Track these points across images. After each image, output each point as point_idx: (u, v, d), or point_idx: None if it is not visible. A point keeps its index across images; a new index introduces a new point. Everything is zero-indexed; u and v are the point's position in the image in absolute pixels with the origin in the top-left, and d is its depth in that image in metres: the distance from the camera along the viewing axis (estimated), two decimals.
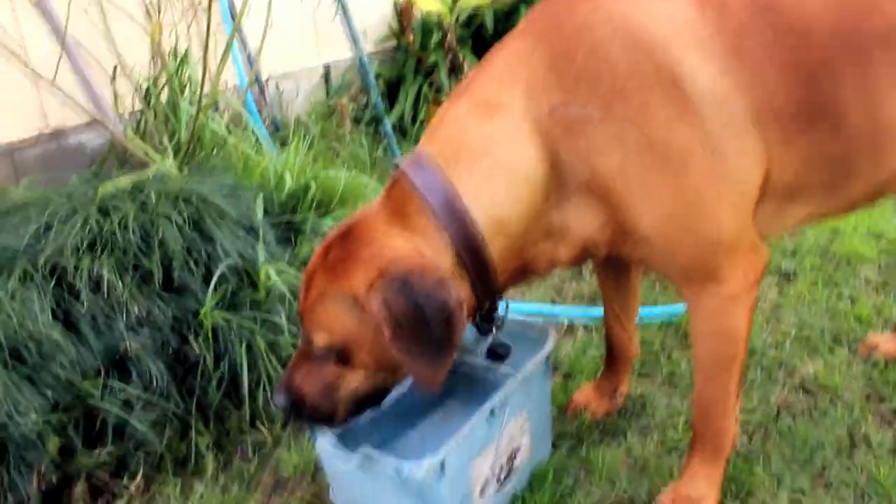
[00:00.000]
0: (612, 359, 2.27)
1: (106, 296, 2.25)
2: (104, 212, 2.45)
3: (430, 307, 1.53)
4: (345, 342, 1.65)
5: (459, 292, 1.57)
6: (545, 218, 1.65)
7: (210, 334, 2.31)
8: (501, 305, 1.85)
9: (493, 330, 1.81)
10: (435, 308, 1.53)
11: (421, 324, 1.54)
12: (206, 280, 2.39)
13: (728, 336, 1.72)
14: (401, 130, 4.64)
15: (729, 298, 1.68)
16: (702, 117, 1.56)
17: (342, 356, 1.68)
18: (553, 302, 3.04)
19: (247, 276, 2.49)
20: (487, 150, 1.62)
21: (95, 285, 2.27)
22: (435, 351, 1.56)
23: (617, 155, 1.57)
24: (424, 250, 1.60)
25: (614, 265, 2.11)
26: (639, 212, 1.61)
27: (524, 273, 1.76)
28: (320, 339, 1.67)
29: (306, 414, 1.73)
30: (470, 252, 1.61)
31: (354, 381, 1.72)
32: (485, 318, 1.79)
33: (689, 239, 1.63)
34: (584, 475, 2.07)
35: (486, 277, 1.65)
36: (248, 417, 2.35)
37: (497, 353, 1.87)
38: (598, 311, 2.86)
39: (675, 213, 1.60)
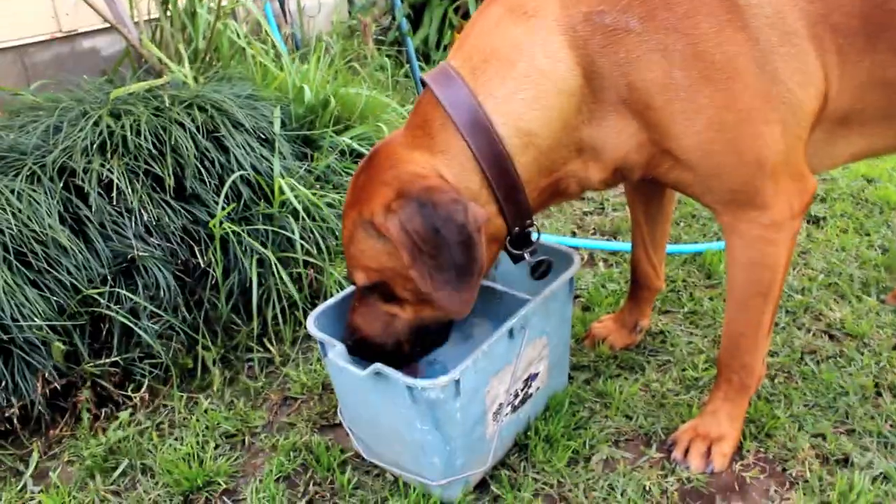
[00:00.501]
0: (636, 290, 2.20)
1: (115, 200, 2.19)
2: (116, 115, 2.37)
3: (447, 230, 1.45)
4: (381, 278, 1.60)
5: (478, 214, 1.48)
6: (577, 134, 1.56)
7: (219, 246, 2.25)
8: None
9: (526, 256, 1.71)
10: (453, 231, 1.45)
11: (439, 248, 1.47)
12: (219, 191, 2.32)
13: (766, 266, 1.64)
14: (424, 56, 4.52)
15: (770, 226, 1.59)
16: (753, 28, 1.45)
17: (385, 293, 1.63)
18: (573, 234, 2.96)
19: (260, 189, 2.42)
20: (517, 58, 1.51)
21: (105, 189, 2.20)
22: (457, 277, 1.49)
23: (658, 67, 1.47)
24: (446, 170, 1.52)
25: (647, 190, 2.02)
26: (679, 130, 1.51)
27: (555, 195, 1.67)
28: (360, 279, 1.63)
29: (372, 354, 1.70)
30: (496, 169, 1.52)
31: (405, 317, 1.67)
32: (517, 242, 1.69)
33: (732, 161, 1.53)
34: (599, 407, 2.02)
35: (514, 197, 1.56)
36: (256, 334, 2.31)
37: (539, 270, 1.76)
38: (619, 244, 2.80)
39: (718, 133, 1.50)
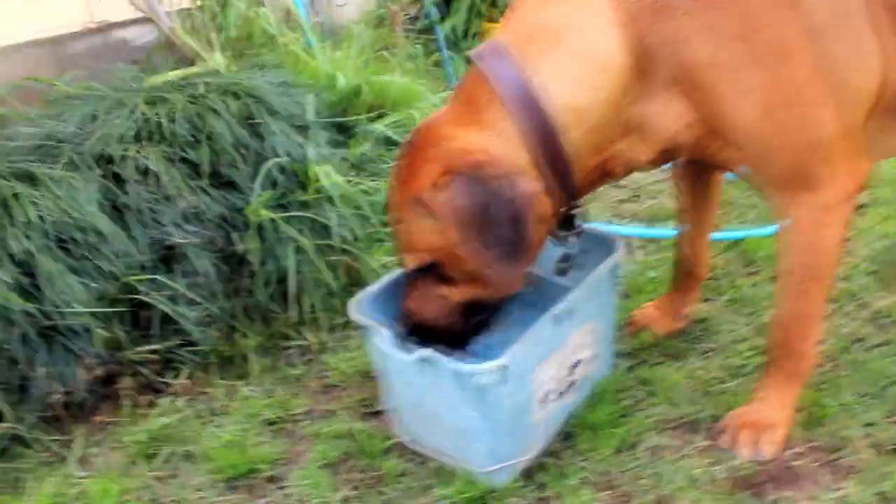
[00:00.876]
0: (680, 277, 2.16)
1: (153, 187, 2.19)
2: (151, 103, 2.39)
3: (496, 205, 1.44)
4: (431, 258, 1.58)
5: (528, 189, 1.47)
6: (625, 113, 1.53)
7: (256, 233, 2.25)
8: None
9: (573, 238, 1.70)
10: (502, 206, 1.44)
11: (489, 224, 1.45)
12: (255, 178, 2.32)
13: (819, 249, 1.61)
14: (452, 45, 4.49)
15: (824, 209, 1.56)
16: (805, 6, 1.42)
17: (437, 274, 1.61)
18: (610, 223, 2.92)
19: (296, 176, 2.42)
20: (566, 34, 1.49)
21: (142, 176, 2.21)
22: (508, 253, 1.47)
23: (707, 46, 1.44)
24: (493, 146, 1.49)
25: (695, 174, 1.98)
26: (731, 109, 1.48)
27: (602, 176, 1.65)
28: (411, 262, 1.61)
29: (430, 337, 1.68)
30: (545, 146, 1.49)
31: (458, 298, 1.65)
32: (563, 224, 1.67)
33: (785, 142, 1.50)
34: (644, 395, 1.99)
35: (562, 176, 1.54)
36: (294, 322, 2.30)
37: (562, 268, 1.77)
38: (658, 231, 2.77)
39: (771, 113, 1.47)
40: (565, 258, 1.74)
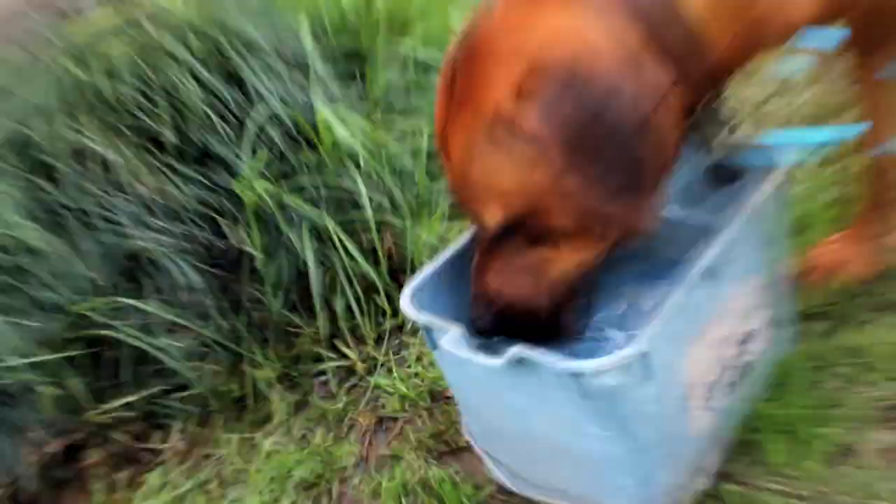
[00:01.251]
0: (875, 193, 1.96)
1: (99, 175, 2.12)
2: (80, 60, 2.32)
3: (613, 111, 1.27)
4: (527, 205, 1.40)
5: (658, 80, 1.30)
6: None
7: (254, 217, 2.15)
8: None
9: (721, 136, 1.54)
10: (622, 111, 1.27)
11: (604, 139, 1.28)
12: (240, 140, 2.23)
13: None
14: None
15: None
16: None
17: (534, 231, 1.44)
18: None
19: (298, 130, 2.32)
20: None
21: (80, 163, 2.14)
22: (635, 179, 1.32)
23: None
24: (590, 28, 1.32)
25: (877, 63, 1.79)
26: None
27: (749, 48, 1.46)
28: (493, 217, 1.43)
29: (522, 329, 1.53)
30: (662, 17, 1.33)
31: (567, 259, 1.47)
32: (705, 119, 1.51)
33: None
34: (853, 371, 1.78)
35: (689, 56, 1.36)
36: (324, 335, 2.21)
37: (721, 175, 1.61)
38: (829, 132, 2.53)
39: None
40: (720, 167, 1.61)
